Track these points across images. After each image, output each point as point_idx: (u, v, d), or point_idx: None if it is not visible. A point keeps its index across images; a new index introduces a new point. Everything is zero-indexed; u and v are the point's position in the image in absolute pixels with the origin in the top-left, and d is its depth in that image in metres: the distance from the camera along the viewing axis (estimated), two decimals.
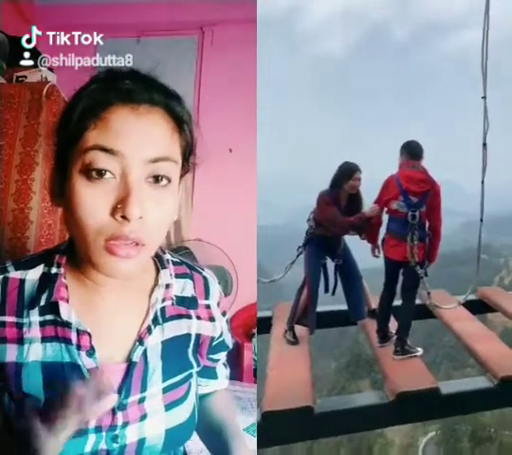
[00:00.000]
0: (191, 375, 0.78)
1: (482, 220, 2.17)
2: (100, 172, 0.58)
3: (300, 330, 2.20)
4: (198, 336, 0.79)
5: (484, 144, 2.02)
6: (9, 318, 0.67)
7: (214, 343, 0.83)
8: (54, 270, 0.69)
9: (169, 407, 0.72)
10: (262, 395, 1.78)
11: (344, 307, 2.32)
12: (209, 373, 0.87)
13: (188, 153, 0.68)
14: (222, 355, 0.90)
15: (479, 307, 2.69)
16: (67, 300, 0.68)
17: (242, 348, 2.78)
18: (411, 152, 2.02)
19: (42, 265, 0.71)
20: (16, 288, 0.68)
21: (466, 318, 2.44)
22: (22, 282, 0.69)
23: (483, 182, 2.07)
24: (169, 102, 0.64)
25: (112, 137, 0.58)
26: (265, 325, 2.43)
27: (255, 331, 2.77)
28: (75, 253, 0.69)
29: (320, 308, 2.22)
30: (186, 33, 3.20)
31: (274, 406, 1.68)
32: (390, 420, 1.91)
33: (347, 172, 2.09)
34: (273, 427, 1.64)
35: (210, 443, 0.85)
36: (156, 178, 0.61)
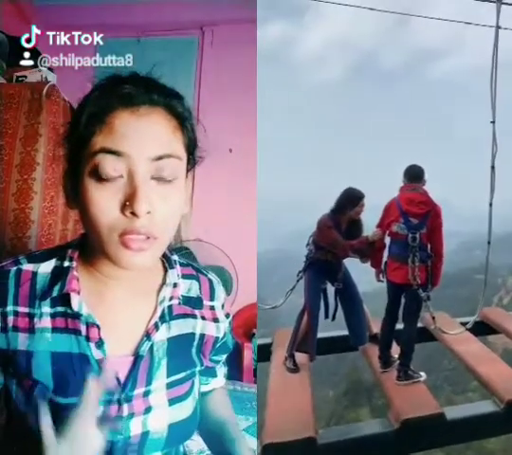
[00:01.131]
0: (194, 374, 0.80)
1: (489, 242, 2.14)
2: (109, 173, 0.62)
3: (300, 357, 2.16)
4: (202, 336, 0.81)
5: (493, 167, 2.03)
6: (22, 309, 0.69)
7: (218, 345, 0.86)
8: (66, 264, 0.72)
9: (172, 402, 0.74)
10: (261, 426, 1.72)
11: (344, 333, 2.28)
12: (209, 372, 0.90)
13: (192, 148, 0.71)
14: (223, 357, 0.93)
15: (480, 329, 2.61)
16: (78, 293, 0.70)
17: (242, 348, 2.78)
18: (412, 175, 2.03)
19: (54, 259, 0.73)
20: (29, 280, 0.71)
21: (469, 340, 2.38)
22: (34, 274, 0.71)
23: (491, 204, 2.05)
24: (169, 102, 0.67)
25: (116, 140, 0.62)
26: (263, 353, 2.37)
27: (255, 331, 2.77)
28: (87, 248, 0.72)
29: (319, 334, 2.18)
30: (186, 33, 3.20)
31: (275, 437, 1.61)
32: (395, 449, 1.84)
33: (353, 199, 2.11)
34: None
35: (212, 444, 0.87)
36: (161, 174, 0.64)
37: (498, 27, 2.02)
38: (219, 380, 0.94)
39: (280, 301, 2.26)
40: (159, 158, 0.63)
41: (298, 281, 2.18)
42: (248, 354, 2.78)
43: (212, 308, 0.83)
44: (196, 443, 0.96)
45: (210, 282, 0.85)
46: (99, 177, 0.62)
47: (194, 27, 3.18)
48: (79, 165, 0.65)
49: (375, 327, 2.32)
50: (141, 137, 0.62)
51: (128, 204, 0.61)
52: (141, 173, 0.62)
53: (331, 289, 2.21)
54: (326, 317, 2.21)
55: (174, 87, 0.71)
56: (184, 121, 0.68)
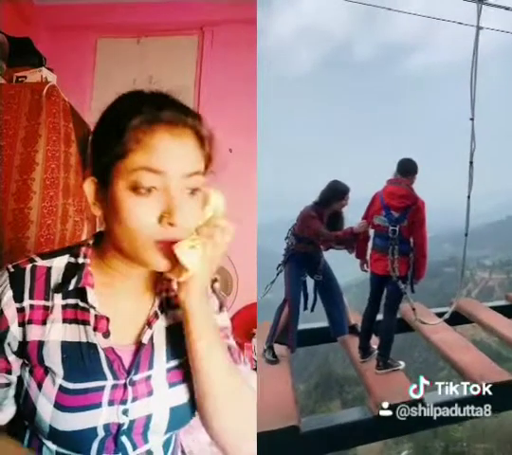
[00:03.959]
0: None
1: (466, 235, 2.18)
2: (148, 189, 0.69)
3: (280, 349, 2.19)
4: None
5: (471, 163, 2.07)
6: (37, 302, 0.76)
7: None
8: (81, 260, 0.78)
9: (172, 385, 0.82)
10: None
11: (321, 325, 2.31)
12: None
13: (207, 164, 0.78)
14: None
15: (454, 319, 2.62)
16: (92, 287, 0.77)
17: (242, 348, 2.78)
18: (400, 169, 2.06)
19: (67, 256, 0.80)
20: (44, 274, 0.77)
21: (445, 329, 2.45)
22: (48, 269, 0.78)
23: (469, 197, 2.08)
24: (195, 124, 0.74)
25: (156, 159, 0.69)
26: None
27: (255, 331, 2.77)
28: (100, 246, 0.79)
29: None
30: (186, 33, 3.20)
31: (263, 427, 1.66)
32: (376, 434, 1.91)
33: (339, 193, 2.14)
34: (261, 448, 1.63)
35: None
36: (192, 189, 0.72)
37: (479, 28, 2.03)
38: None
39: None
40: (191, 175, 0.71)
41: (278, 274, 2.19)
42: (248, 354, 2.78)
43: None
44: (197, 442, 0.97)
45: None
46: (137, 192, 0.69)
47: (194, 27, 3.18)
48: (112, 175, 0.70)
49: (354, 319, 2.35)
50: (177, 157, 0.70)
51: (166, 215, 0.69)
52: (176, 188, 0.70)
53: (310, 281, 2.23)
54: (305, 308, 2.23)
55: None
56: (204, 141, 0.75)
